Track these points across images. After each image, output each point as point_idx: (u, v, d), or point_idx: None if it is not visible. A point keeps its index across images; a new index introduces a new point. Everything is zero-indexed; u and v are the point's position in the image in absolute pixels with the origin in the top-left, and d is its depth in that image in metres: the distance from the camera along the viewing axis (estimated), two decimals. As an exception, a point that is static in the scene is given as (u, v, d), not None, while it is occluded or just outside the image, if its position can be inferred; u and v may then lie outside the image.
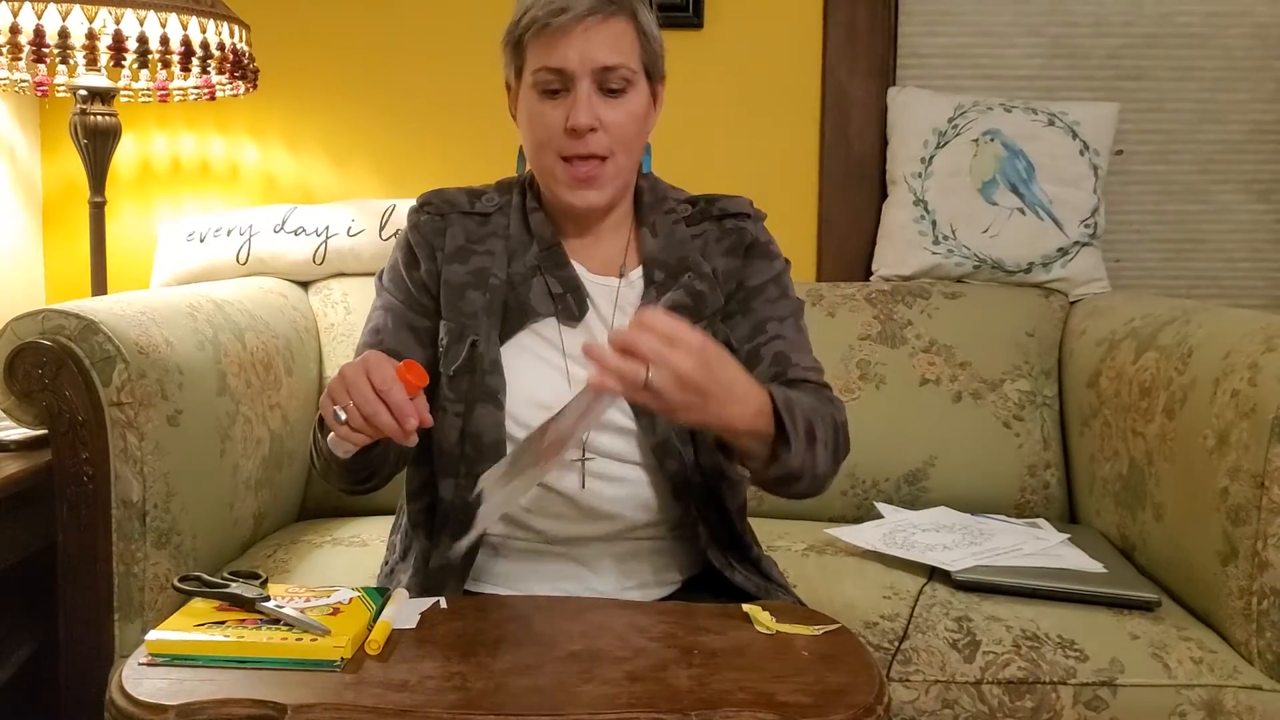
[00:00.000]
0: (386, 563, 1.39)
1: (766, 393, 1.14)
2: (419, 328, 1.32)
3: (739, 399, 1.10)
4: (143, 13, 1.80)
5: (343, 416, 1.09)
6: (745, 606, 1.15)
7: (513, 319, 1.30)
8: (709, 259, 1.34)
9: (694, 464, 1.28)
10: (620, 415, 1.27)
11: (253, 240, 2.07)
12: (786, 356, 1.31)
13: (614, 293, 1.32)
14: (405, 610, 1.14)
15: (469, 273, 1.31)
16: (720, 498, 1.30)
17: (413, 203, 1.38)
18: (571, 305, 1.29)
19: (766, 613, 1.14)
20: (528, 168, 1.35)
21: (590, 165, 1.25)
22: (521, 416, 1.27)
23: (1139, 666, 1.40)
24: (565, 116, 1.24)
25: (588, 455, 1.27)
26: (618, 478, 1.28)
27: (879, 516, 1.81)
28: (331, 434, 1.14)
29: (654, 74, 1.30)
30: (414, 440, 1.10)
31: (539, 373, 1.28)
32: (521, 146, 1.33)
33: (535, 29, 1.24)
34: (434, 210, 1.35)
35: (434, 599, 1.18)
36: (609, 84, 1.24)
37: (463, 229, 1.33)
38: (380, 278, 1.38)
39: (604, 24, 1.23)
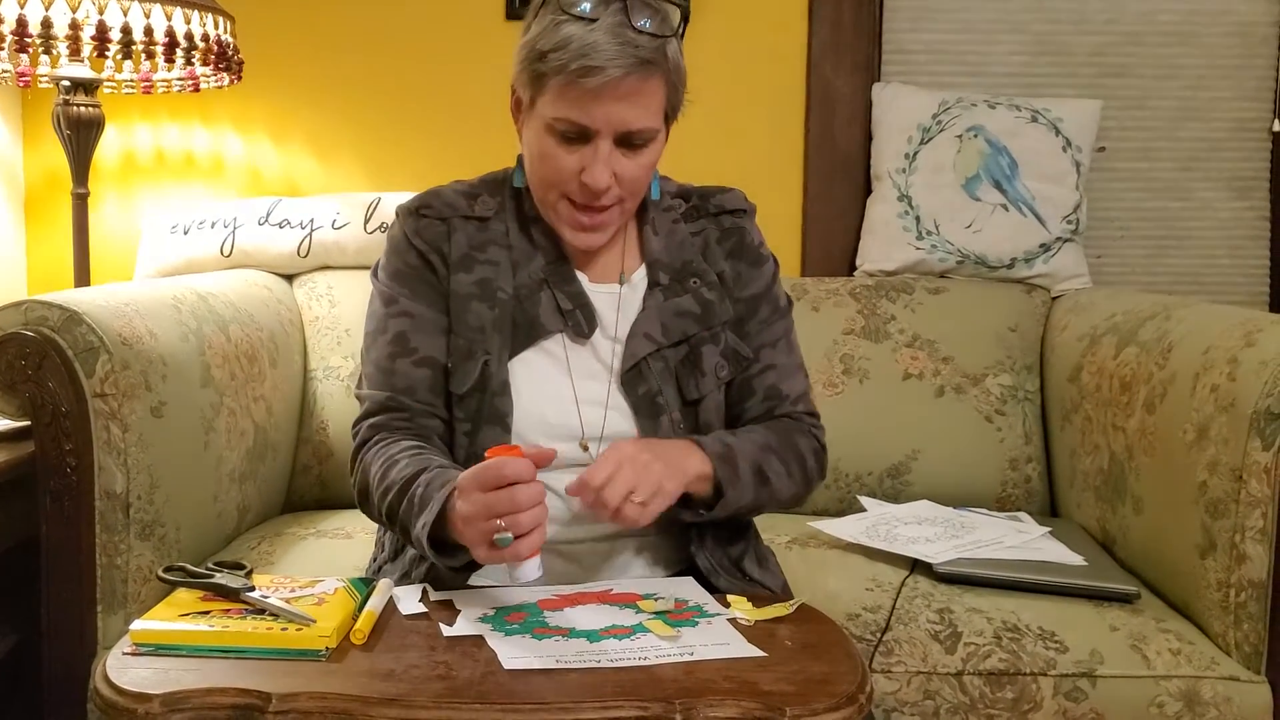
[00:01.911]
0: (375, 559, 1.37)
1: (701, 452, 1.23)
2: (448, 333, 1.29)
3: (681, 460, 1.20)
4: (126, 3, 1.80)
5: (509, 537, 1.04)
6: (729, 598, 1.16)
7: (521, 335, 1.27)
8: (712, 262, 1.34)
9: None
10: (621, 419, 1.28)
11: (237, 233, 2.06)
12: (778, 390, 1.34)
13: (616, 299, 1.31)
14: (405, 598, 1.15)
15: (474, 283, 1.28)
16: None
17: (401, 201, 1.35)
18: (581, 321, 1.28)
19: (748, 603, 1.15)
20: (520, 181, 1.31)
21: (598, 214, 1.24)
22: (528, 437, 1.26)
23: (1118, 658, 1.41)
24: (579, 165, 1.20)
25: None
26: None
27: (862, 510, 1.81)
28: (530, 566, 1.07)
29: (672, 118, 1.26)
30: None
31: (546, 392, 1.27)
32: (521, 157, 1.30)
33: (565, 79, 1.16)
34: (434, 214, 1.31)
35: (422, 585, 1.18)
36: (630, 142, 1.21)
37: (465, 235, 1.30)
38: (377, 277, 1.33)
39: (637, 85, 1.17)
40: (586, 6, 1.16)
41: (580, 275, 1.31)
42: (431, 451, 1.23)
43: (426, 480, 1.15)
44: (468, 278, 1.28)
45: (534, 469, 1.06)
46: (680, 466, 1.18)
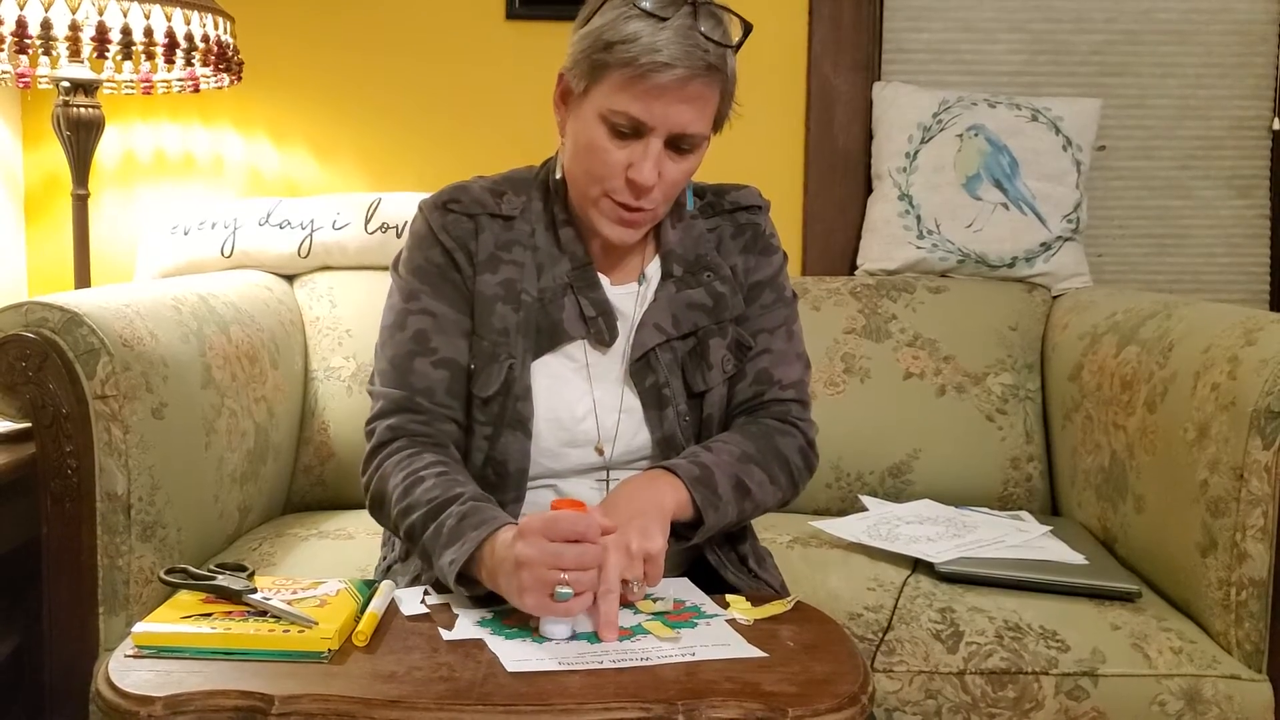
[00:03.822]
0: (384, 559, 1.37)
1: (678, 482, 1.20)
2: (469, 334, 1.28)
3: (654, 502, 1.17)
4: (126, 4, 1.80)
5: (570, 593, 1.03)
6: (728, 597, 1.16)
7: (544, 340, 1.27)
8: (726, 256, 1.34)
9: None
10: (632, 422, 1.28)
11: (237, 233, 2.06)
12: (769, 374, 1.33)
13: (635, 297, 1.32)
14: (407, 599, 1.15)
15: (498, 284, 1.27)
16: None
17: (402, 200, 1.35)
18: (603, 329, 1.28)
19: (746, 602, 1.15)
20: (560, 174, 1.30)
21: (636, 212, 1.24)
22: (544, 444, 1.26)
23: (1120, 657, 1.41)
24: (627, 161, 1.20)
25: (613, 475, 1.28)
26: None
27: (863, 509, 1.82)
28: (558, 627, 1.06)
29: (717, 128, 1.27)
30: None
31: (564, 396, 1.27)
32: (559, 153, 1.29)
33: (630, 72, 1.16)
34: (462, 210, 1.29)
35: (423, 588, 1.18)
36: (679, 145, 1.21)
37: (492, 234, 1.29)
38: (397, 271, 1.31)
39: (700, 90, 1.18)
40: (657, 5, 1.16)
41: (603, 278, 1.31)
42: (456, 470, 1.21)
43: (460, 513, 1.13)
44: (493, 278, 1.27)
45: (600, 532, 1.06)
46: (655, 508, 1.16)
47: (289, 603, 1.09)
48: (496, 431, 1.25)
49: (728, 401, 1.34)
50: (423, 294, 1.28)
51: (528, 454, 1.25)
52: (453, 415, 1.27)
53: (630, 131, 1.19)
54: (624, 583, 1.09)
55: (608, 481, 1.28)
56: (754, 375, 1.33)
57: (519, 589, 1.05)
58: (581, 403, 1.28)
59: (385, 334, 1.30)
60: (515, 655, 1.01)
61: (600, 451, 1.28)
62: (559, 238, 1.30)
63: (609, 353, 1.30)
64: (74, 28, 1.78)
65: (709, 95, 1.19)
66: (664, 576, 1.32)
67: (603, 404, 1.28)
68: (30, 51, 1.78)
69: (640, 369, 1.29)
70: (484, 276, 1.27)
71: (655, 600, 1.14)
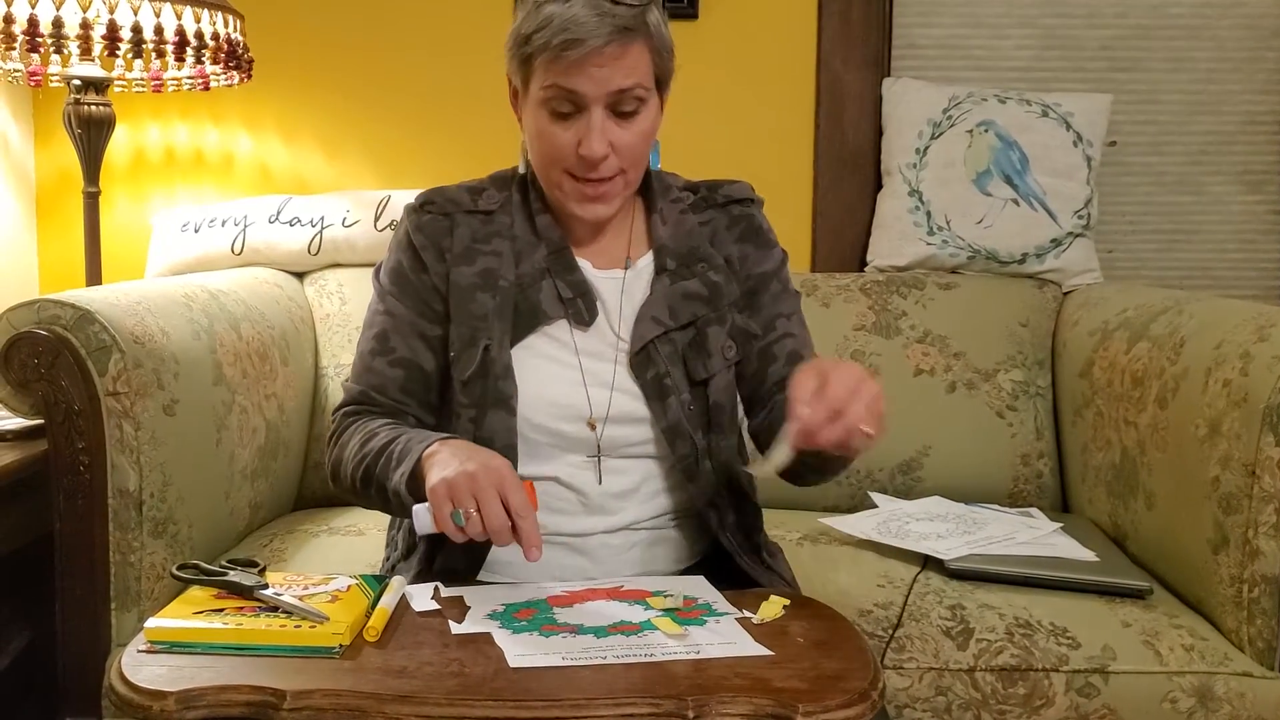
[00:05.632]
0: (388, 559, 1.38)
1: None
2: (430, 336, 1.31)
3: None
4: (137, 2, 1.80)
5: (463, 523, 1.07)
6: (768, 598, 1.14)
7: (523, 322, 1.29)
8: (720, 247, 1.35)
9: (705, 448, 1.29)
10: (632, 401, 1.28)
11: (247, 231, 2.07)
12: (800, 355, 1.35)
13: (620, 284, 1.32)
14: (417, 595, 1.15)
15: (476, 274, 1.29)
16: (730, 482, 1.32)
17: (409, 200, 1.36)
18: (582, 309, 1.30)
19: (778, 605, 1.13)
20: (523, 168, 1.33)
21: (600, 185, 1.25)
22: (534, 419, 1.27)
23: (1131, 654, 1.41)
24: (577, 140, 1.22)
25: (604, 457, 1.29)
26: (629, 471, 1.29)
27: (873, 506, 1.81)
28: (422, 511, 1.10)
29: (664, 82, 1.28)
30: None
31: (552, 373, 1.28)
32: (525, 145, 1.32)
33: (550, 55, 1.19)
34: (437, 210, 1.32)
35: (434, 584, 1.19)
36: (622, 106, 1.22)
37: (468, 229, 1.31)
38: (377, 275, 1.36)
39: (619, 51, 1.19)
40: None
41: (584, 262, 1.32)
42: (407, 427, 1.28)
43: (407, 438, 1.20)
44: (470, 269, 1.30)
45: (532, 514, 1.08)
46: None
47: (300, 598, 1.09)
48: (481, 412, 1.27)
49: (761, 387, 1.34)
50: (389, 295, 1.33)
51: (513, 430, 1.26)
52: (407, 410, 1.32)
53: (569, 108, 1.21)
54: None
55: (599, 460, 1.28)
56: (785, 358, 1.34)
57: (446, 474, 1.08)
58: (570, 378, 1.29)
59: (361, 332, 1.37)
60: (519, 651, 1.02)
61: (592, 427, 1.28)
62: (536, 225, 1.32)
63: (596, 332, 1.30)
64: (85, 26, 1.78)
65: (633, 54, 1.21)
66: (677, 566, 1.33)
67: (592, 380, 1.29)
68: (42, 50, 1.79)
69: (641, 361, 1.29)
70: (460, 269, 1.30)
71: (665, 596, 1.14)
